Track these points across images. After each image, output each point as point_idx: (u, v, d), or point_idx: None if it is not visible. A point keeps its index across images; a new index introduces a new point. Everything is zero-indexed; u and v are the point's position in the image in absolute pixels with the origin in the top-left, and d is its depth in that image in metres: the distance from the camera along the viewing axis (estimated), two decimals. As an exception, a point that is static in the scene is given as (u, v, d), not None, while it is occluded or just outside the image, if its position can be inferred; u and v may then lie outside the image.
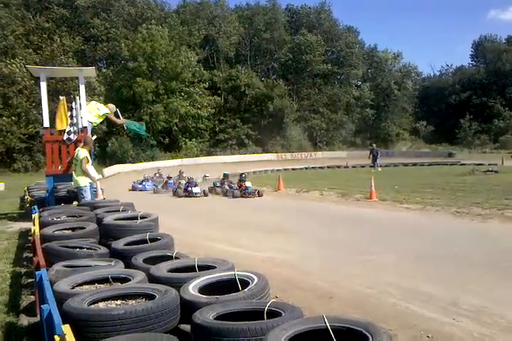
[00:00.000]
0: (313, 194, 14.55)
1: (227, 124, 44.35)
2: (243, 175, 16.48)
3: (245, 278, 3.22)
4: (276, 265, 5.74)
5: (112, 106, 10.04)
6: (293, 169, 30.58)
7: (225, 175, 18.01)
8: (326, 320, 2.42)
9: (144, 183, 21.06)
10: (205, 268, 3.59)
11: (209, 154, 40.31)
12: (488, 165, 23.59)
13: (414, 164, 31.47)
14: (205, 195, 16.31)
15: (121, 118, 10.21)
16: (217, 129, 44.12)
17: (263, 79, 48.80)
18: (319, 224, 9.38)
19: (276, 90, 44.74)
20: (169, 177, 20.65)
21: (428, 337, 3.45)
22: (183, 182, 17.76)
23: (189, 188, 16.43)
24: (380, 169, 26.31)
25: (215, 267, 3.57)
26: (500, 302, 4.18)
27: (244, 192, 15.16)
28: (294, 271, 5.48)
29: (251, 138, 44.24)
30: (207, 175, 20.85)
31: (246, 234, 8.25)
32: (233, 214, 11.64)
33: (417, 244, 6.92)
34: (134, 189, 20.59)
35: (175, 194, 17.23)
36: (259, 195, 15.04)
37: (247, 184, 15.72)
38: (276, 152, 42.43)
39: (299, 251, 6.74)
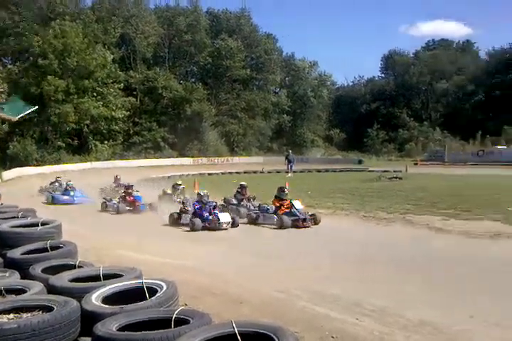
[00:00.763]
0: (228, 199, 14.54)
1: (143, 127, 43.08)
2: (284, 191, 10.41)
3: (153, 286, 3.13)
4: (188, 271, 5.65)
5: None
6: (209, 174, 30.44)
7: (243, 187, 12.02)
8: (234, 325, 2.42)
9: (71, 194, 15.04)
10: (111, 276, 3.43)
11: (121, 157, 38.85)
12: (394, 172, 25.06)
13: (327, 170, 32.68)
14: (235, 224, 9.75)
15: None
16: (131, 132, 42.72)
17: (182, 82, 48.16)
18: (234, 230, 9.41)
19: (195, 94, 44.38)
20: (128, 187, 13.31)
21: (333, 337, 3.56)
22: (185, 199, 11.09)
23: (205, 214, 9.79)
24: (291, 175, 26.85)
25: (122, 275, 3.43)
26: (401, 302, 4.44)
27: (296, 220, 9.44)
28: (206, 278, 5.43)
29: (167, 141, 43.36)
30: (179, 182, 13.15)
31: (156, 242, 8.06)
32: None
33: (327, 248, 7.17)
34: (55, 202, 14.72)
35: (178, 222, 10.12)
36: (316, 221, 9.56)
37: (296, 205, 9.90)
38: (192, 156, 41.94)
39: (211, 257, 6.70)
